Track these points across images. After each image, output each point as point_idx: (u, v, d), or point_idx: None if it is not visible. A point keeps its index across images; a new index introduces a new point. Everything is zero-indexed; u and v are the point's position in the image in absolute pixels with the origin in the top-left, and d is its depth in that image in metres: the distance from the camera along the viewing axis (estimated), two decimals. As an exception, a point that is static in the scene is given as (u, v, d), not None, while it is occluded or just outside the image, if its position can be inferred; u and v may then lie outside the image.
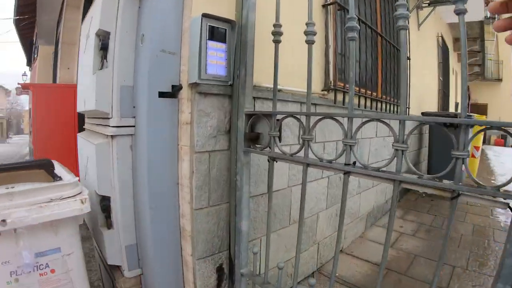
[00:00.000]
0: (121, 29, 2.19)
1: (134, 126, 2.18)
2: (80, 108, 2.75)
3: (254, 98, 2.40)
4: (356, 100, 3.87)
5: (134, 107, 2.18)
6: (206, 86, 2.08)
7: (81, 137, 2.77)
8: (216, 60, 2.15)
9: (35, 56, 11.42)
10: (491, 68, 20.64)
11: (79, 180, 2.07)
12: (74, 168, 2.57)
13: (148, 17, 2.14)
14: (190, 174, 2.11)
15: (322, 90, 3.18)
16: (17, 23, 9.35)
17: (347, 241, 3.76)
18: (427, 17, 7.42)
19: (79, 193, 2.00)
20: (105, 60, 2.31)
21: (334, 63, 3.19)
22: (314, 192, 3.16)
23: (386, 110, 4.62)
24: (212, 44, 2.12)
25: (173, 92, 2.15)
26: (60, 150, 3.57)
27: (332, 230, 3.48)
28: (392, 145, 1.15)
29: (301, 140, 1.92)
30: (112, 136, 2.14)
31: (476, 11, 9.00)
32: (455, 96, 12.41)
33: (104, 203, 2.29)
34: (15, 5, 8.43)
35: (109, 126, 2.16)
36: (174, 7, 2.18)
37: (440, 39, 8.67)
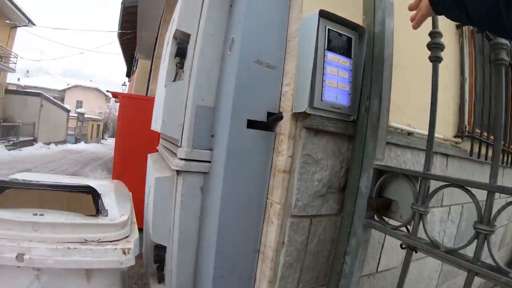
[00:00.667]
0: (204, 32, 1.62)
1: (209, 162, 1.58)
2: (152, 125, 2.24)
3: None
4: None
5: (212, 136, 1.58)
6: (320, 119, 1.41)
7: (149, 159, 2.26)
8: (337, 82, 1.47)
9: (134, 68, 12.11)
10: None
11: (129, 218, 1.55)
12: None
13: (240, 18, 1.52)
14: (278, 245, 1.46)
15: (455, 137, 2.33)
16: (120, 36, 10.05)
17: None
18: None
19: (124, 237, 1.51)
20: (181, 70, 1.74)
21: (471, 103, 2.35)
22: (427, 269, 2.34)
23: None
24: (332, 57, 1.46)
25: (269, 123, 1.51)
26: (140, 160, 3.51)
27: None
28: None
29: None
30: (178, 171, 1.56)
31: None
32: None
33: (158, 252, 1.73)
34: (119, 21, 9.06)
35: (176, 156, 1.58)
36: (277, 5, 1.55)
37: None
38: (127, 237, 1.54)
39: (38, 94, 16.55)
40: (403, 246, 1.19)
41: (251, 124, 1.47)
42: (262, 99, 1.50)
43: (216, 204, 1.47)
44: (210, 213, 1.55)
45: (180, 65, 1.73)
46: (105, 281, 1.48)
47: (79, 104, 29.24)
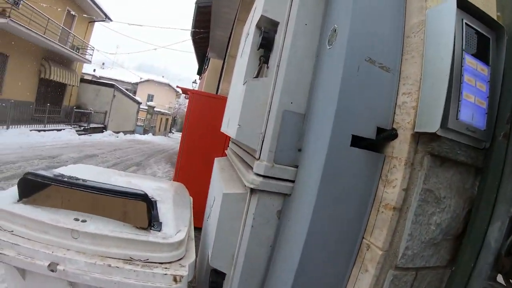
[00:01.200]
0: (296, 20, 1.30)
1: (292, 182, 1.26)
2: (223, 127, 1.97)
3: None
4: None
5: (299, 150, 1.26)
6: (450, 144, 1.06)
7: (216, 164, 2.00)
8: (475, 96, 1.10)
9: (206, 67, 12.37)
10: None
11: (187, 235, 1.30)
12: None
13: (347, 3, 1.18)
14: (373, 301, 1.12)
15: None
16: (194, 34, 10.39)
17: None
18: None
19: (178, 260, 1.27)
20: (265, 65, 1.44)
21: None
22: None
23: None
24: (470, 62, 1.11)
25: (378, 141, 1.16)
26: (205, 160, 3.54)
27: None
28: None
29: None
30: (252, 190, 1.26)
31: None
32: None
33: (216, 279, 1.47)
34: (193, 19, 9.19)
35: (251, 171, 1.29)
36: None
37: None
38: (181, 259, 1.29)
39: (111, 85, 17.46)
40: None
41: (356, 141, 1.13)
42: (372, 110, 1.16)
43: (298, 236, 1.16)
44: (287, 245, 1.24)
45: (264, 59, 1.43)
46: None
47: (150, 97, 30.55)
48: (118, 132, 16.65)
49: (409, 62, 1.19)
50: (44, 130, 10.83)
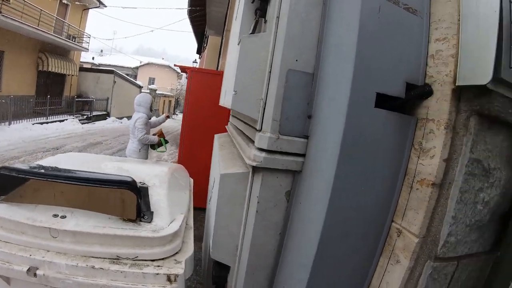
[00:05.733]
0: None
1: (303, 156, 1.04)
2: (221, 100, 1.76)
3: None
4: None
5: (309, 117, 1.02)
6: (503, 101, 0.81)
7: (216, 141, 1.77)
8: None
9: (205, 45, 11.92)
10: None
11: (183, 224, 1.12)
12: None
13: None
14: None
15: None
16: (190, 13, 10.00)
17: None
18: None
19: (172, 255, 1.07)
20: (262, 20, 1.20)
21: None
22: None
23: None
24: None
25: (408, 101, 0.93)
26: (209, 138, 3.36)
27: None
28: None
29: None
30: (254, 168, 1.04)
31: None
32: None
33: (219, 272, 1.27)
34: None
35: (253, 145, 1.07)
36: None
37: None
38: (176, 253, 1.09)
39: (111, 72, 17.11)
40: None
41: (382, 100, 0.90)
42: (399, 62, 0.92)
43: (314, 222, 0.95)
44: (300, 233, 1.03)
45: (261, 12, 1.18)
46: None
47: (151, 80, 30.02)
48: (121, 118, 16.38)
49: (440, 2, 0.95)
50: (47, 123, 10.70)
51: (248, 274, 1.13)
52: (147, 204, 1.23)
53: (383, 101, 0.91)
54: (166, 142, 3.50)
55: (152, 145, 3.43)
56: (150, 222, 1.11)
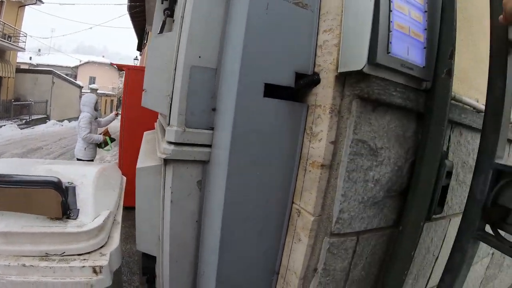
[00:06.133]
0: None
1: (209, 147, 1.08)
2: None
3: (450, 123, 1.13)
4: None
5: (213, 110, 1.06)
6: (383, 84, 0.88)
7: (143, 138, 1.79)
8: (409, 27, 0.91)
9: (145, 42, 11.69)
10: None
11: (108, 219, 1.15)
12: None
13: None
14: (307, 272, 0.99)
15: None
16: (130, 9, 9.71)
17: None
18: None
19: (98, 249, 1.11)
20: (170, 19, 1.23)
21: None
22: (472, 277, 1.77)
23: None
24: None
25: (298, 89, 0.98)
26: None
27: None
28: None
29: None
30: (165, 160, 1.08)
31: None
32: None
33: (147, 263, 1.31)
34: None
35: (164, 139, 1.11)
36: None
37: None
38: (102, 247, 1.12)
39: (49, 72, 16.29)
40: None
41: (271, 90, 0.95)
42: (288, 54, 0.97)
43: (217, 208, 1.00)
44: (211, 219, 1.08)
45: (169, 12, 1.21)
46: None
47: (92, 80, 28.71)
48: (62, 121, 15.72)
49: (329, -2, 0.99)
50: (-18, 131, 10.19)
51: (172, 262, 1.18)
52: (74, 202, 1.25)
53: (273, 90, 0.95)
54: (113, 140, 3.48)
55: (98, 144, 3.41)
56: (76, 219, 1.14)
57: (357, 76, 0.88)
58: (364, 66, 0.83)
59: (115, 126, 4.21)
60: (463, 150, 1.27)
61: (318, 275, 0.97)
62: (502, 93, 0.89)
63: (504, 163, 0.88)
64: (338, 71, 0.90)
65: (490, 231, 0.92)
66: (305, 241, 0.97)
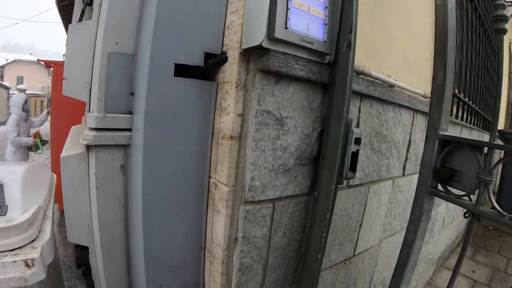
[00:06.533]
0: None
1: (129, 131, 1.11)
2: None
3: (359, 95, 1.25)
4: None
5: (132, 94, 1.10)
6: (284, 57, 0.97)
7: (71, 132, 1.78)
8: (309, 5, 1.01)
9: None
10: None
11: (38, 214, 1.14)
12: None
13: None
14: (229, 242, 1.04)
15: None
16: (58, 2, 9.35)
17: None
18: None
19: (29, 242, 1.10)
20: (89, 8, 1.26)
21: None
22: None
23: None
24: None
25: (207, 68, 1.05)
26: None
27: None
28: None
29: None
30: (88, 147, 1.10)
31: None
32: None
33: (80, 255, 1.31)
34: None
35: (86, 126, 1.13)
36: None
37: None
38: (33, 241, 1.12)
39: None
40: (467, 215, 1.08)
41: (181, 70, 1.01)
42: (197, 35, 1.03)
43: (138, 189, 1.03)
44: (134, 202, 1.11)
45: (88, 1, 1.24)
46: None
47: (20, 80, 26.77)
48: None
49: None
50: None
51: (104, 250, 1.19)
52: (2, 199, 1.25)
53: (183, 70, 1.01)
54: (45, 143, 3.30)
55: (30, 148, 3.25)
56: (4, 215, 1.13)
57: (259, 51, 0.95)
58: (262, 41, 0.90)
59: (47, 128, 3.99)
60: (375, 121, 1.38)
61: (239, 244, 1.02)
62: (443, 81, 1.11)
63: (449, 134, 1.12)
64: (242, 48, 0.97)
65: (441, 188, 1.13)
66: (224, 212, 1.02)
